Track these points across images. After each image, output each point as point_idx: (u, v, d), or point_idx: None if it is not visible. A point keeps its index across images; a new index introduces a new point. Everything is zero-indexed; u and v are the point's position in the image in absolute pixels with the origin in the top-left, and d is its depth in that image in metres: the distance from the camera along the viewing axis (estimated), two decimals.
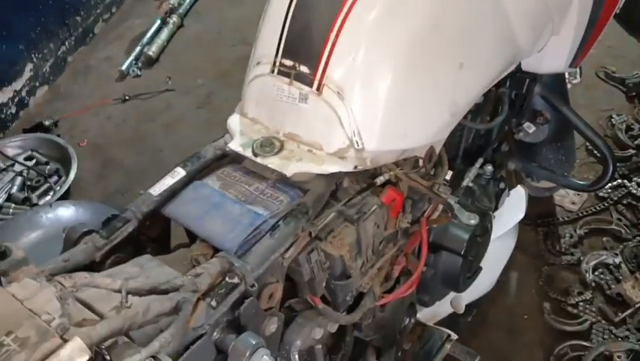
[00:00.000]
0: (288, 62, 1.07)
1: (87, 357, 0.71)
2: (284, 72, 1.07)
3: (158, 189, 1.05)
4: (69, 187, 2.46)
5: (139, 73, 3.11)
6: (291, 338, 1.05)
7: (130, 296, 0.82)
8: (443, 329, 1.59)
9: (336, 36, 1.03)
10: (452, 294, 1.60)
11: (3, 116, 2.85)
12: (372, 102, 1.05)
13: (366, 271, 1.15)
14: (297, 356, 1.05)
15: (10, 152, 2.63)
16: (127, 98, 2.95)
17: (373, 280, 1.19)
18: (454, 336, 1.58)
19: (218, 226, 0.99)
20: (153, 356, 0.73)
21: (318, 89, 1.04)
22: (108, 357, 0.74)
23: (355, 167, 1.07)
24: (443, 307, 1.64)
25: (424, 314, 1.58)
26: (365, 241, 1.11)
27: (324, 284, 1.08)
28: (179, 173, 1.08)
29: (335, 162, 1.06)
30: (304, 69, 1.05)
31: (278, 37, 1.08)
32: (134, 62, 3.15)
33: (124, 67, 3.11)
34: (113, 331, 0.75)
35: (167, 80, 3.04)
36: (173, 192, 1.06)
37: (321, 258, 1.05)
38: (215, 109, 2.83)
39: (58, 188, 2.49)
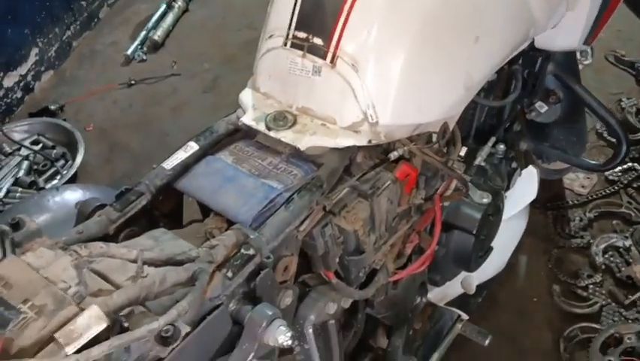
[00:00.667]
0: (302, 35, 1.05)
1: (105, 325, 0.71)
2: (297, 45, 1.06)
3: (170, 163, 1.04)
4: (76, 171, 2.45)
5: (144, 57, 3.10)
6: (305, 313, 1.04)
7: (145, 267, 0.81)
8: (454, 309, 1.59)
9: (350, 7, 1.02)
10: (463, 275, 1.59)
11: (9, 100, 2.84)
12: (386, 75, 1.03)
13: (379, 247, 1.14)
14: (310, 331, 1.04)
15: (17, 136, 2.62)
16: (133, 82, 2.93)
17: (386, 257, 1.19)
18: (465, 316, 1.57)
19: (232, 199, 0.98)
20: (171, 324, 0.73)
21: (331, 61, 1.03)
22: (126, 324, 0.73)
23: (369, 141, 1.06)
24: (454, 288, 1.64)
25: (435, 295, 1.57)
26: (378, 217, 1.11)
27: (337, 259, 1.07)
28: (192, 147, 1.07)
29: (349, 136, 1.05)
30: (318, 41, 1.04)
31: (291, 9, 1.06)
32: (139, 46, 3.13)
33: (129, 51, 3.09)
34: (130, 299, 0.75)
35: (173, 64, 3.03)
36: (185, 167, 1.05)
37: (335, 232, 1.04)
38: (221, 93, 2.82)
39: (65, 172, 2.48)
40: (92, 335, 0.70)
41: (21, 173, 2.50)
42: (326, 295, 1.07)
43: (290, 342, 0.84)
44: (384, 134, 1.07)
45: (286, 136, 1.05)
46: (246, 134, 1.13)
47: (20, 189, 2.45)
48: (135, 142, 2.66)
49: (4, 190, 2.44)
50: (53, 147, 2.60)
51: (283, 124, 1.06)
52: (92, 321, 0.70)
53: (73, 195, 2.26)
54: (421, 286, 1.42)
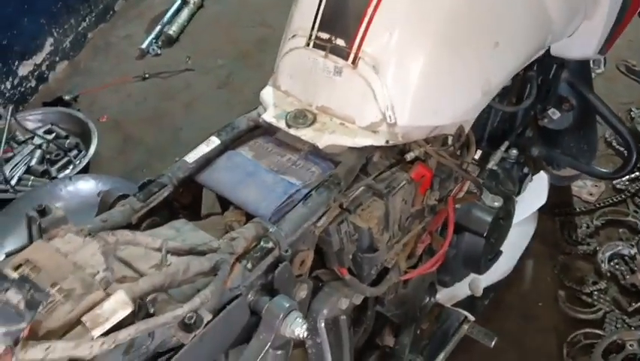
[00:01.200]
0: (325, 35, 1.08)
1: (130, 310, 0.73)
2: (320, 45, 1.08)
3: (193, 156, 1.06)
4: (89, 162, 2.47)
5: (159, 52, 3.12)
6: (318, 307, 1.06)
7: (169, 255, 0.84)
8: (461, 310, 1.60)
9: (374, 11, 1.04)
10: (470, 276, 1.61)
11: (23, 89, 2.87)
12: (407, 77, 1.06)
13: (392, 245, 1.16)
14: (323, 325, 1.06)
15: (30, 125, 2.64)
16: (147, 76, 2.96)
17: (399, 256, 1.21)
18: (471, 318, 1.59)
19: (252, 194, 1.01)
20: (194, 312, 0.75)
21: (353, 62, 1.05)
22: (152, 310, 0.75)
23: (387, 141, 1.08)
24: (461, 289, 1.66)
25: (443, 296, 1.59)
26: (393, 216, 1.13)
27: (351, 256, 1.09)
28: (214, 142, 1.09)
29: (367, 136, 1.07)
30: (340, 42, 1.06)
31: (315, 10, 1.09)
32: (154, 40, 3.15)
33: (144, 45, 3.12)
34: (154, 286, 0.77)
35: (187, 59, 3.05)
36: (207, 161, 1.07)
37: (350, 230, 1.06)
38: (234, 89, 2.84)
39: (78, 162, 2.50)
40: (118, 320, 0.72)
41: (33, 161, 2.52)
42: (339, 290, 1.09)
43: (305, 334, 0.87)
44: (401, 135, 1.09)
45: (306, 134, 1.07)
46: (266, 131, 1.15)
47: (32, 178, 2.47)
48: (148, 135, 2.68)
49: (15, 178, 2.46)
50: (67, 137, 2.62)
51: (303, 122, 1.08)
52: (118, 306, 0.72)
53: (86, 186, 2.28)
54: (430, 286, 1.44)
